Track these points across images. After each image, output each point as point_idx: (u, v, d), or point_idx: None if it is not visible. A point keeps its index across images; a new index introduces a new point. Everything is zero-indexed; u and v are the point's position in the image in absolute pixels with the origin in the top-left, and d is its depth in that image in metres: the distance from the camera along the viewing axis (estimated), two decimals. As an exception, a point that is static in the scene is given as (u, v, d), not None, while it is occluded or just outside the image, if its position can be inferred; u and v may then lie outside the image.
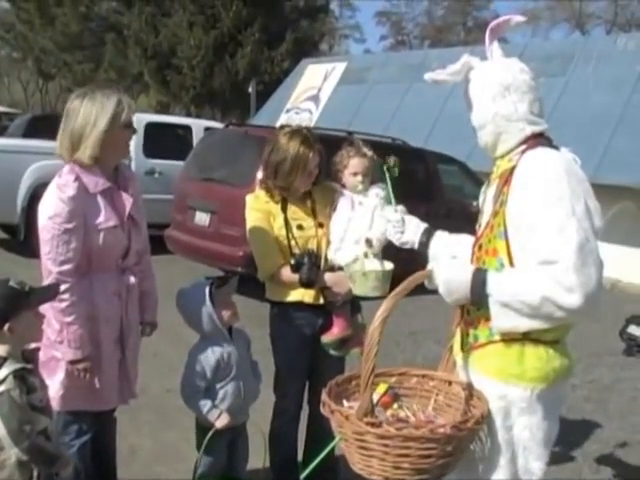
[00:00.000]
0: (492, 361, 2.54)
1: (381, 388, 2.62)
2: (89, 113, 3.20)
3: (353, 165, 3.61)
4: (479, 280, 2.42)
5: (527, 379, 2.48)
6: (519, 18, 2.77)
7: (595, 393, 6.32)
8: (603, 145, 12.22)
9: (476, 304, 2.50)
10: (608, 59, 13.50)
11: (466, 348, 2.66)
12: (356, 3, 71.68)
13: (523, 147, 2.55)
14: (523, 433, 2.52)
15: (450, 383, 2.67)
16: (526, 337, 2.47)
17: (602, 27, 43.88)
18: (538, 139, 2.57)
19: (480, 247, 2.62)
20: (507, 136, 2.57)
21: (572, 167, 2.48)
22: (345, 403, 2.56)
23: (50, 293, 2.94)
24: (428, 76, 2.71)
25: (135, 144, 10.69)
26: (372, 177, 3.63)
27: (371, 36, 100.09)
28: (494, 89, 2.56)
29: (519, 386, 2.49)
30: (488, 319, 2.48)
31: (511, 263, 2.47)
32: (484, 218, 2.67)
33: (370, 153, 3.65)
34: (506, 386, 2.50)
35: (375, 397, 2.56)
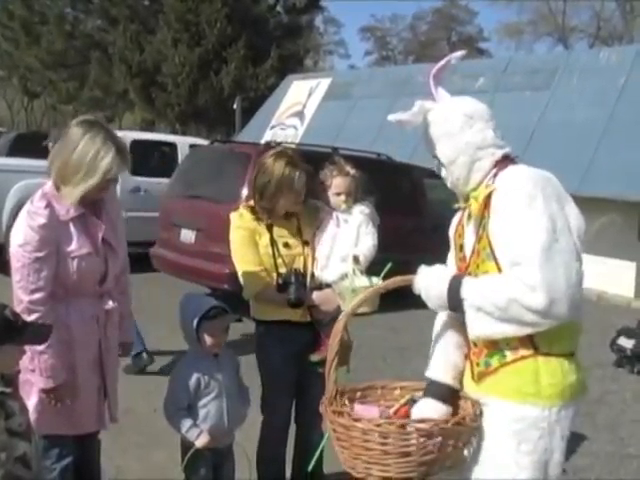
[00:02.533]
0: (507, 383, 2.49)
1: (403, 399, 2.65)
2: (84, 156, 3.15)
3: (336, 185, 3.62)
4: (455, 285, 2.43)
5: (544, 397, 2.44)
6: (457, 54, 2.83)
7: (584, 406, 6.23)
8: (588, 158, 12.27)
9: (453, 309, 2.48)
10: (592, 72, 13.58)
11: (478, 377, 2.59)
12: (341, 19, 72.19)
13: (494, 171, 2.57)
14: (544, 456, 2.47)
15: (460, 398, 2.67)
16: (537, 352, 2.44)
17: (585, 41, 44.31)
18: (506, 162, 2.60)
19: (470, 274, 2.60)
20: (480, 164, 2.59)
21: (544, 175, 2.51)
22: (357, 405, 2.59)
23: (43, 335, 2.87)
24: (392, 117, 2.75)
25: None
26: (356, 194, 3.64)
27: (356, 52, 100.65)
28: (459, 120, 2.60)
29: (537, 405, 2.44)
30: (495, 343, 2.47)
31: None
32: (467, 245, 2.65)
33: (353, 171, 3.66)
34: (524, 407, 2.45)
35: (395, 407, 2.61)
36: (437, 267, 2.56)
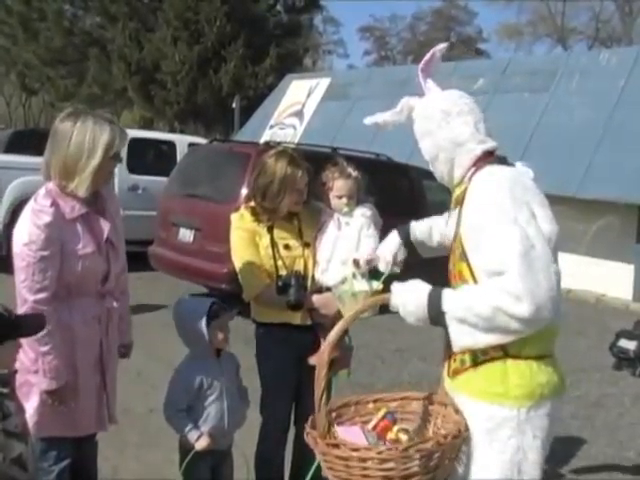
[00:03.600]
0: (477, 383, 2.52)
1: (380, 413, 2.61)
2: (82, 142, 3.12)
3: (338, 188, 3.59)
4: (434, 299, 2.40)
5: (512, 397, 2.45)
6: (442, 46, 2.84)
7: (582, 409, 6.30)
8: (587, 160, 12.27)
9: (434, 323, 2.45)
10: (591, 74, 13.59)
11: (452, 373, 2.63)
12: (340, 19, 72.20)
13: (473, 169, 2.58)
14: (516, 456, 2.47)
15: (446, 406, 2.65)
16: (507, 354, 2.44)
17: (584, 42, 44.32)
18: (488, 158, 2.59)
19: (450, 272, 2.66)
20: (460, 159, 2.61)
21: (518, 178, 2.50)
22: (337, 428, 2.53)
23: (36, 326, 2.85)
24: (368, 120, 2.82)
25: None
26: (358, 197, 3.61)
27: (355, 51, 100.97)
28: (437, 117, 2.63)
29: (505, 405, 2.45)
30: None
31: (476, 284, 2.46)
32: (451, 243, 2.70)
33: (355, 173, 3.63)
34: (492, 407, 2.47)
35: (373, 422, 2.57)
36: (411, 283, 2.51)
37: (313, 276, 3.60)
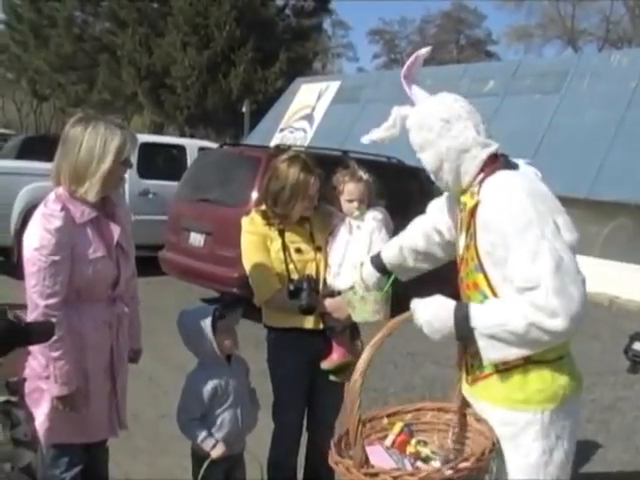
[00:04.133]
0: (496, 390, 2.50)
1: (396, 428, 2.58)
2: (92, 147, 3.11)
3: (349, 192, 3.56)
4: (461, 316, 2.38)
5: (534, 402, 2.44)
6: (424, 50, 2.77)
7: (597, 413, 6.23)
8: (599, 161, 12.21)
9: (462, 339, 2.44)
10: (602, 76, 13.52)
11: (472, 380, 2.61)
12: (349, 22, 72.25)
13: (481, 175, 2.51)
14: (541, 458, 2.46)
15: (465, 415, 2.62)
16: (528, 360, 2.42)
17: (594, 44, 44.18)
18: (495, 163, 2.53)
19: (462, 281, 2.62)
20: (466, 166, 2.53)
21: (534, 186, 2.45)
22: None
23: (47, 333, 2.83)
24: (365, 139, 2.74)
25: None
26: (369, 200, 3.58)
27: (364, 55, 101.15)
28: (436, 126, 2.53)
29: (527, 411, 2.44)
30: None
31: (494, 294, 2.45)
32: (459, 253, 2.64)
33: (366, 176, 3.59)
34: (514, 412, 2.46)
35: (391, 438, 2.53)
36: (433, 299, 2.49)
37: (325, 280, 3.57)
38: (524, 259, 2.29)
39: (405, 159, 10.97)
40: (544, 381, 2.45)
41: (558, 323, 2.24)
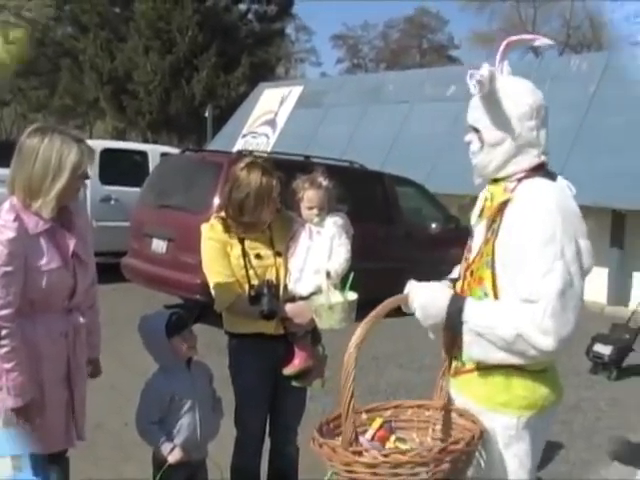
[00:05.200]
0: (479, 389, 2.51)
1: (376, 423, 2.56)
2: (48, 161, 3.06)
3: (308, 199, 3.54)
4: (456, 307, 2.39)
5: (515, 407, 2.46)
6: (547, 40, 2.75)
7: (561, 414, 6.25)
8: (560, 166, 12.30)
9: (450, 329, 2.45)
10: (563, 80, 13.65)
11: (454, 372, 2.61)
12: (312, 27, 72.35)
13: (522, 174, 2.51)
14: (512, 462, 2.48)
15: (447, 411, 2.60)
16: (511, 365, 2.42)
17: (555, 48, 44.65)
18: (540, 169, 2.54)
19: (472, 273, 2.59)
20: (521, 159, 2.52)
21: (567, 204, 2.45)
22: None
23: None
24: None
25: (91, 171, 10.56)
26: (329, 206, 3.57)
27: (327, 59, 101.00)
28: (523, 109, 2.49)
29: (506, 414, 2.46)
30: None
31: (495, 294, 2.45)
32: (475, 243, 2.62)
33: (325, 183, 3.58)
34: (493, 414, 2.47)
35: (370, 432, 2.51)
36: (432, 284, 2.50)
37: (285, 285, 3.56)
38: (536, 272, 2.30)
39: (368, 164, 11.04)
40: (527, 389, 2.47)
41: (549, 343, 2.26)
